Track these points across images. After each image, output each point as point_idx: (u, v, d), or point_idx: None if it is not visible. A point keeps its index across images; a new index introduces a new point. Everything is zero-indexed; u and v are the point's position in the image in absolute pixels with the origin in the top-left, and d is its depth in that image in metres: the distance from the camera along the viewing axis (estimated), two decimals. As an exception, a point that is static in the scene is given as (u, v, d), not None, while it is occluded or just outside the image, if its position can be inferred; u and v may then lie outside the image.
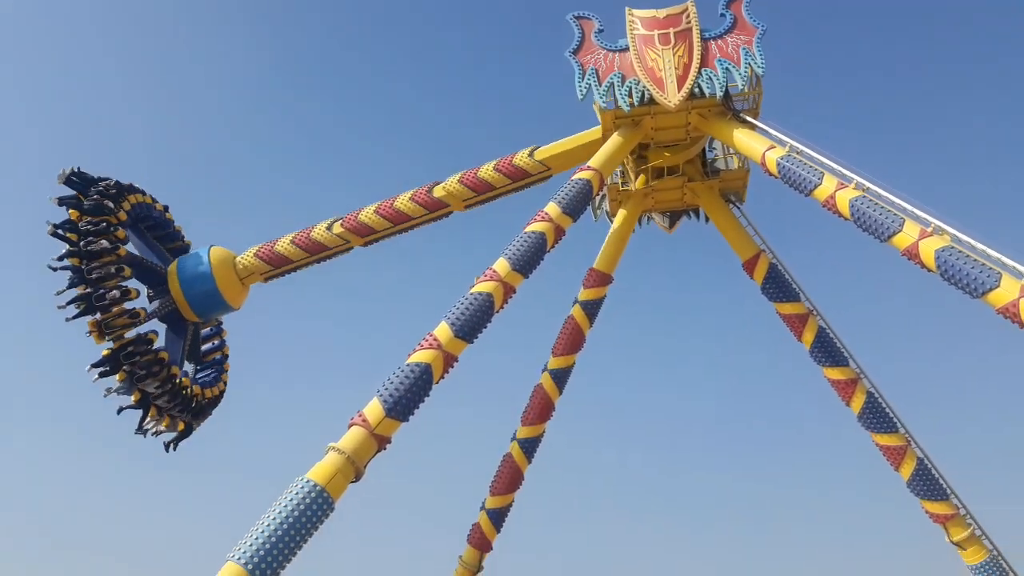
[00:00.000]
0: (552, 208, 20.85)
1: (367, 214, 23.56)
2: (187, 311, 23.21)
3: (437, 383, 18.14)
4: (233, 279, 23.51)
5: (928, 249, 16.77)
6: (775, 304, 25.62)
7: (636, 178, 26.26)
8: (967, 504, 24.01)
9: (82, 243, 20.73)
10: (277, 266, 23.88)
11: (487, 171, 23.57)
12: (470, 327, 18.50)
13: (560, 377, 26.68)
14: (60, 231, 20.84)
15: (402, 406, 17.21)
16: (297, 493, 15.50)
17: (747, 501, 66.19)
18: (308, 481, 15.72)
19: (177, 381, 22.01)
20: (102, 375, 20.68)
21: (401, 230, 24.08)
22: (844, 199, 18.50)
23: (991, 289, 15.91)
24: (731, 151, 25.64)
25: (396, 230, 23.91)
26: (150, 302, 23.16)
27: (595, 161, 22.41)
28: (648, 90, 22.59)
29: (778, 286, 25.42)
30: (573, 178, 21.76)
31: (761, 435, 70.50)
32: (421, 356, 17.84)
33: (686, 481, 69.38)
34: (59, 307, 20.53)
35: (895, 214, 17.69)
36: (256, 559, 14.43)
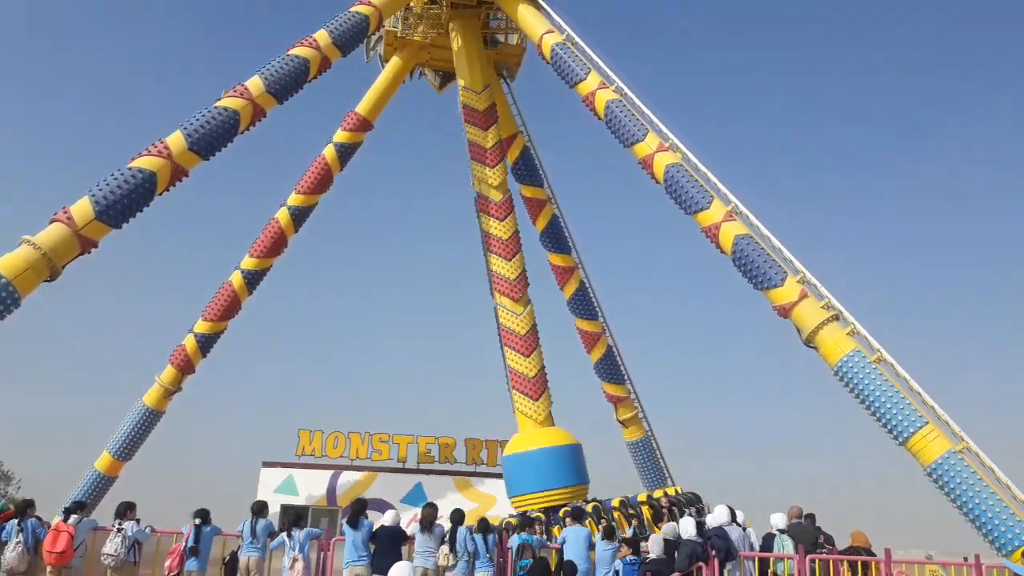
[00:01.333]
0: (322, 36, 19.64)
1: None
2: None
3: (161, 195, 16.85)
4: (559, 432, 21.40)
5: (661, 162, 18.12)
6: (520, 184, 26.75)
7: (418, 27, 25.47)
8: (637, 389, 27.65)
9: None
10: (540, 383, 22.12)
11: None
12: (207, 142, 17.19)
13: (299, 215, 25.89)
14: None
15: (115, 211, 15.79)
16: (-25, 282, 13.87)
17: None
18: (-10, 271, 14.12)
19: None
20: None
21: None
22: (602, 99, 19.32)
23: (701, 209, 17.64)
24: (513, 26, 25.59)
25: None
26: None
27: (377, -2, 21.31)
28: (446, -62, 21.68)
29: (526, 168, 26.52)
30: (351, 10, 20.56)
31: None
32: (146, 162, 16.36)
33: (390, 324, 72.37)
34: None
35: (641, 124, 18.81)
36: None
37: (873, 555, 12.57)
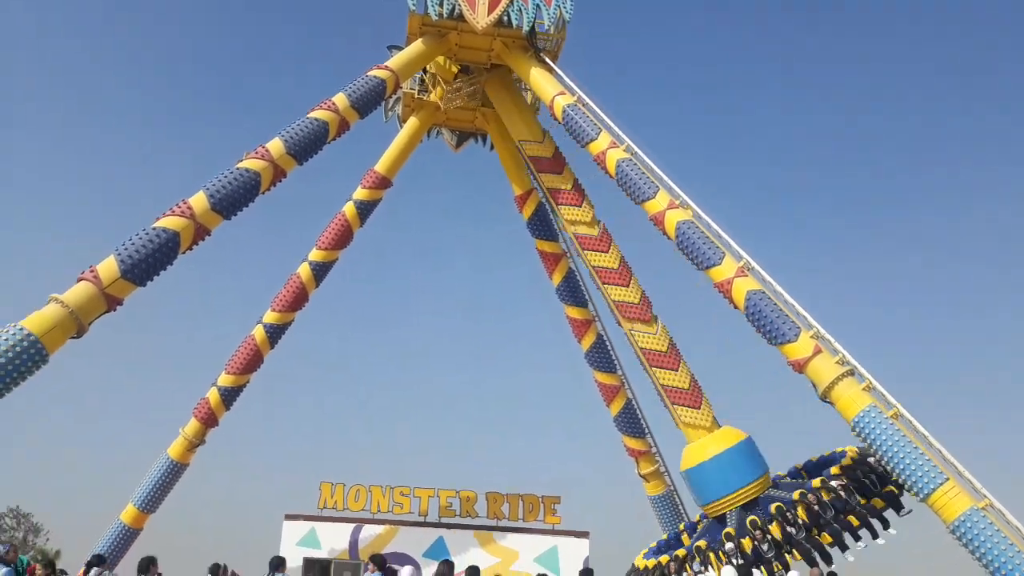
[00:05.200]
0: (340, 99, 20.34)
1: None
2: None
3: (184, 253, 17.40)
4: (730, 432, 20.42)
5: (672, 220, 18.45)
6: (536, 240, 27.17)
7: (434, 88, 26.21)
8: (658, 443, 27.39)
9: None
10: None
11: None
12: (229, 203, 17.82)
13: (320, 270, 26.38)
14: None
15: (140, 270, 16.37)
16: (6, 339, 14.37)
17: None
18: (21, 328, 14.63)
19: None
20: None
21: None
22: (613, 158, 19.74)
23: (713, 265, 17.90)
24: (525, 87, 26.24)
25: None
26: None
27: (394, 62, 22.04)
28: (459, 5, 22.41)
29: (542, 224, 26.91)
30: (368, 74, 21.29)
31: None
32: (170, 222, 16.97)
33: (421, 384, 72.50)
34: None
35: (652, 182, 19.19)
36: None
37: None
